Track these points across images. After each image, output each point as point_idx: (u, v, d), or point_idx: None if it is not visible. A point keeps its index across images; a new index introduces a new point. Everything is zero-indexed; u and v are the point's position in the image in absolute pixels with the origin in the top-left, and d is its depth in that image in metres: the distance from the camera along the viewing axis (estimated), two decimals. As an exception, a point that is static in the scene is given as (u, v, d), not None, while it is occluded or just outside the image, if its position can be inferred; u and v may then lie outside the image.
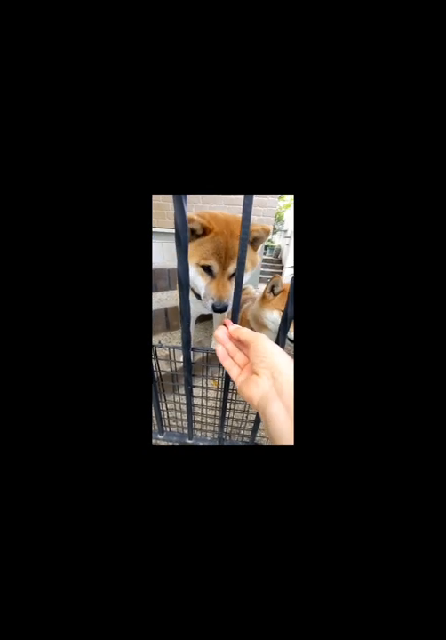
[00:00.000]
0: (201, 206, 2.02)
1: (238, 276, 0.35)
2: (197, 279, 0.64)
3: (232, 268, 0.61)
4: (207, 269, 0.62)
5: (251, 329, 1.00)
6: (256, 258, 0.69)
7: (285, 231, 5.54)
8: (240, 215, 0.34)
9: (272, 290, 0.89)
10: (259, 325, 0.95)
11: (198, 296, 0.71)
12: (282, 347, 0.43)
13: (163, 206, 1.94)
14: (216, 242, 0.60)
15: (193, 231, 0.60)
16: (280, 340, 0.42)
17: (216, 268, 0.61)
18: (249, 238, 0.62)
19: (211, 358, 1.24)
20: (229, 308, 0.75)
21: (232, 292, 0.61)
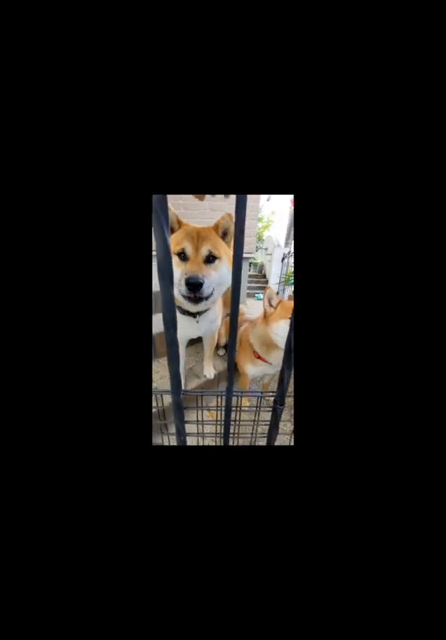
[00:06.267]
0: (182, 213, 2.05)
1: (235, 269, 0.26)
2: (175, 270, 0.67)
3: (204, 249, 0.62)
4: (181, 256, 0.63)
5: (254, 353, 0.95)
6: (229, 251, 0.69)
7: (265, 249, 5.84)
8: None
9: (270, 303, 0.85)
10: (267, 346, 0.88)
11: (184, 312, 0.74)
12: (291, 371, 0.37)
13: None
14: (187, 230, 0.63)
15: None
16: (284, 366, 0.36)
17: (189, 249, 0.62)
18: (218, 232, 0.66)
19: (205, 385, 1.16)
20: (218, 320, 0.83)
21: (210, 273, 0.62)
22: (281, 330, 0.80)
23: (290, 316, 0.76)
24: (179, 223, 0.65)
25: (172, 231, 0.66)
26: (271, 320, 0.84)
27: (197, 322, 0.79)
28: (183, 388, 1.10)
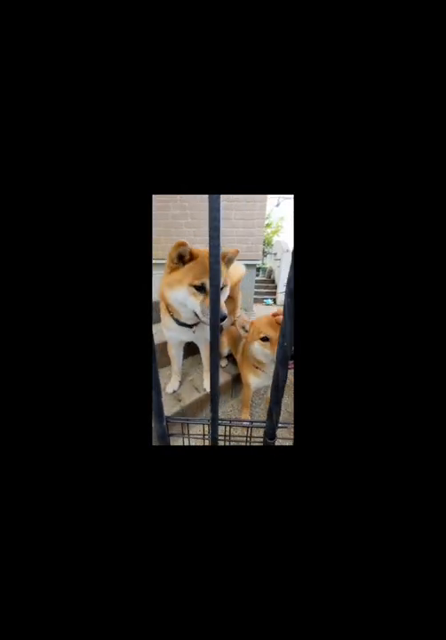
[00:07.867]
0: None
1: (212, 277, 0.32)
2: (189, 300, 0.72)
3: (220, 282, 0.70)
4: (199, 288, 0.70)
5: (253, 366, 0.96)
6: (228, 273, 0.82)
7: (275, 254, 5.78)
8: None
9: (245, 330, 0.90)
10: (258, 362, 0.91)
11: (182, 323, 0.84)
12: (283, 381, 0.35)
13: (156, 240, 1.99)
14: (204, 263, 0.68)
15: (181, 257, 0.69)
16: (279, 373, 0.34)
17: (208, 284, 0.71)
18: (225, 260, 0.76)
19: (204, 399, 1.14)
20: (226, 321, 0.87)
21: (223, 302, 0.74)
22: (255, 350, 0.87)
23: (261, 335, 0.80)
24: (191, 254, 0.69)
25: (184, 261, 0.70)
26: (248, 342, 0.90)
27: (193, 332, 0.89)
28: (181, 400, 1.09)
